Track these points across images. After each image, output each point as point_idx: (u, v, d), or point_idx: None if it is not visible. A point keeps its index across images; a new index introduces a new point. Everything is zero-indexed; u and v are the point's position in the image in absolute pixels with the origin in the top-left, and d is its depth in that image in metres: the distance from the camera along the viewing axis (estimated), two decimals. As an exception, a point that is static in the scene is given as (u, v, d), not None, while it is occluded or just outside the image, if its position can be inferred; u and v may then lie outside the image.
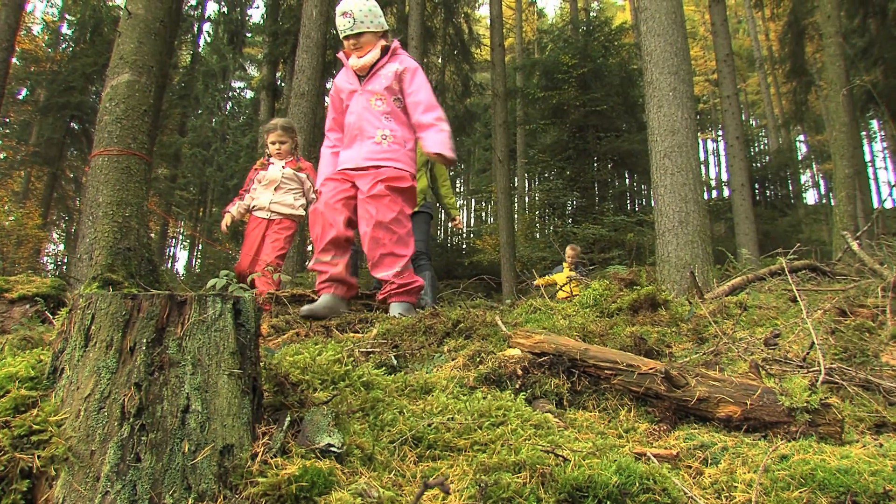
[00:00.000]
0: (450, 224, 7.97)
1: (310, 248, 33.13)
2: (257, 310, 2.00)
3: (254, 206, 7.64)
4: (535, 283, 12.68)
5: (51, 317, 5.24)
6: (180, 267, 56.64)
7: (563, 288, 11.34)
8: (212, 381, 1.79)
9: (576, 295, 11.20)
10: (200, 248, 49.97)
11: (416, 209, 7.12)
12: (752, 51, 48.61)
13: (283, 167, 7.68)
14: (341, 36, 5.46)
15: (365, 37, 5.35)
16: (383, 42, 5.46)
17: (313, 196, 7.44)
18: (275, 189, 7.63)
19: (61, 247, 42.47)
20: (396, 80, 5.33)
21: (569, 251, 13.31)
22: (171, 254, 57.22)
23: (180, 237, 56.40)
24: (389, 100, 5.34)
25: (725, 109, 20.31)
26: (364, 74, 5.44)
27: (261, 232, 7.53)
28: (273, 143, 7.72)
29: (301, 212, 7.70)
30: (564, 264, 13.34)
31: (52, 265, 39.77)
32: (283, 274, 7.06)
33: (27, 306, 5.59)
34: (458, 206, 7.64)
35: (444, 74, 36.81)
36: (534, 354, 3.15)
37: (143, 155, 7.77)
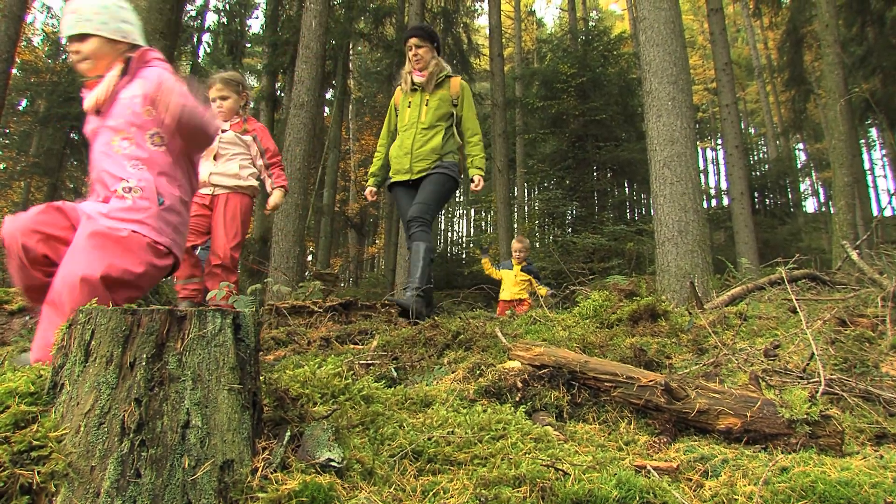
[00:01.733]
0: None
1: (309, 256, 33.16)
2: (257, 324, 2.00)
3: None
4: (484, 266, 11.90)
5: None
6: (180, 278, 56.64)
7: (512, 289, 11.16)
8: (212, 396, 1.79)
9: (524, 299, 10.71)
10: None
11: (430, 170, 6.72)
12: (751, 59, 48.69)
13: (222, 130, 6.39)
14: (63, 41, 3.98)
15: (91, 43, 3.74)
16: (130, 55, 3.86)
17: (261, 163, 6.79)
18: (214, 157, 6.38)
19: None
20: (147, 104, 3.68)
21: (515, 244, 11.53)
22: (171, 264, 57.16)
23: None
24: (141, 137, 3.70)
25: (724, 118, 20.35)
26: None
27: (205, 213, 6.31)
28: (213, 101, 6.45)
29: (251, 182, 6.53)
30: (513, 260, 11.42)
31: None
32: (283, 285, 6.90)
33: (27, 318, 5.59)
34: (483, 164, 6.95)
35: (444, 84, 36.82)
36: (534, 367, 3.15)
37: (143, 166, 7.78)
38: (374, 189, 7.61)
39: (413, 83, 6.99)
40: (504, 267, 11.63)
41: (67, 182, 36.05)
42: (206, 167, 6.26)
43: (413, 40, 6.93)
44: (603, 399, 3.00)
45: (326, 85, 28.62)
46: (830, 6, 16.55)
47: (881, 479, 2.01)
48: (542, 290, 10.70)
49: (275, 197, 6.82)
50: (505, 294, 11.26)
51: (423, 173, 6.75)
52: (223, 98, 6.44)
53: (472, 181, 6.84)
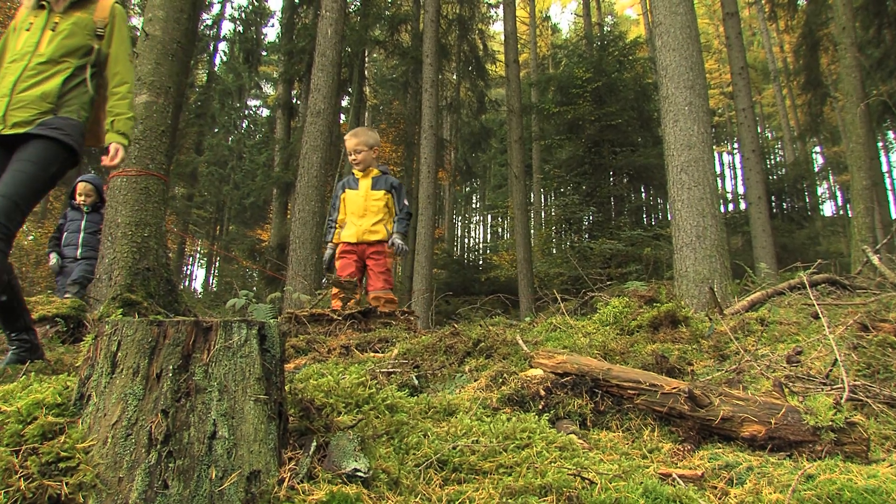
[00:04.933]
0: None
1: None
2: (282, 335, 2.01)
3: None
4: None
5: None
6: (198, 285, 57.03)
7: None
8: (238, 406, 1.79)
9: (381, 242, 7.24)
10: (218, 266, 50.14)
11: (31, 126, 4.14)
12: (767, 63, 48.50)
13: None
14: None
15: None
16: None
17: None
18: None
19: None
20: None
21: (349, 141, 7.25)
22: (189, 272, 57.54)
23: (197, 255, 56.68)
24: None
25: (741, 122, 20.24)
26: None
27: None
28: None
29: None
30: (355, 171, 7.30)
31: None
32: (302, 293, 6.94)
33: (47, 327, 5.63)
34: (127, 129, 4.47)
35: (459, 91, 36.92)
36: (556, 375, 3.14)
37: (162, 175, 7.82)
38: None
39: None
40: (347, 186, 7.26)
41: (85, 191, 36.26)
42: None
43: None
44: (626, 407, 2.99)
45: (342, 92, 28.72)
46: (847, 9, 16.46)
47: (909, 487, 1.99)
48: (390, 225, 7.10)
49: None
50: (349, 232, 7.09)
51: (21, 129, 4.15)
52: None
53: (107, 152, 4.53)
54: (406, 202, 7.28)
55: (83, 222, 9.02)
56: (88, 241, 8.92)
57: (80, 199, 9.07)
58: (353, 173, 7.36)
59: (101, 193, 9.11)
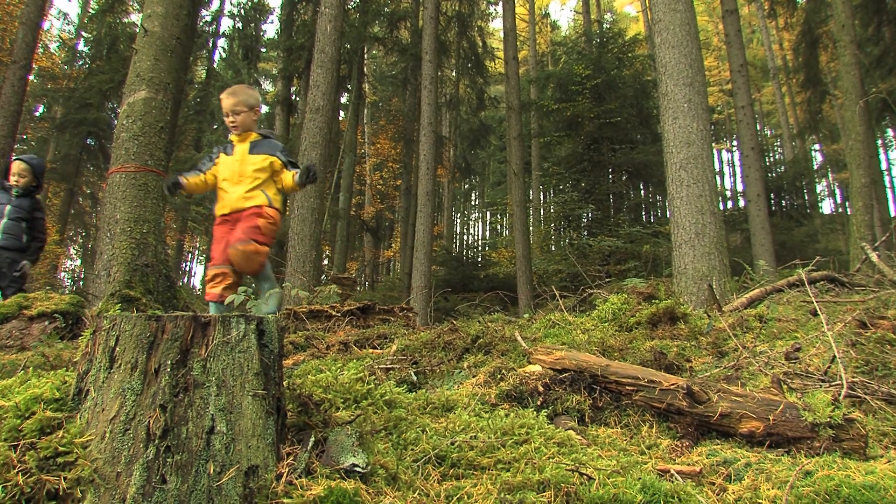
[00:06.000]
0: None
1: (325, 260, 33.21)
2: (280, 330, 2.01)
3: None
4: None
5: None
6: (197, 282, 56.99)
7: None
8: (236, 402, 1.79)
9: (259, 206, 6.05)
10: (216, 262, 50.03)
11: None
12: (767, 61, 48.45)
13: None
14: None
15: None
16: None
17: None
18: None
19: (78, 262, 42.68)
20: None
21: (225, 100, 5.98)
22: (188, 269, 57.52)
23: (196, 252, 56.66)
24: None
25: (740, 120, 20.22)
26: None
27: None
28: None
29: None
30: (233, 136, 6.18)
31: (70, 281, 39.96)
32: (301, 290, 6.83)
33: (46, 323, 5.62)
34: None
35: (459, 88, 36.87)
36: (555, 371, 3.14)
37: (160, 171, 7.81)
38: None
39: None
40: (222, 151, 6.14)
41: (84, 188, 36.27)
42: None
43: None
44: (624, 403, 2.99)
45: (341, 89, 28.69)
46: (846, 6, 16.45)
47: (907, 483, 1.99)
48: (288, 178, 5.90)
49: None
50: (221, 203, 5.95)
51: None
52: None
53: None
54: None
55: (8, 207, 7.68)
56: (10, 228, 7.71)
57: (12, 180, 7.78)
58: (229, 138, 6.11)
59: (37, 177, 8.00)
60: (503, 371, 3.31)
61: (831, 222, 40.41)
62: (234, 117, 5.99)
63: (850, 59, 16.03)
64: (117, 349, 1.78)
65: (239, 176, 5.85)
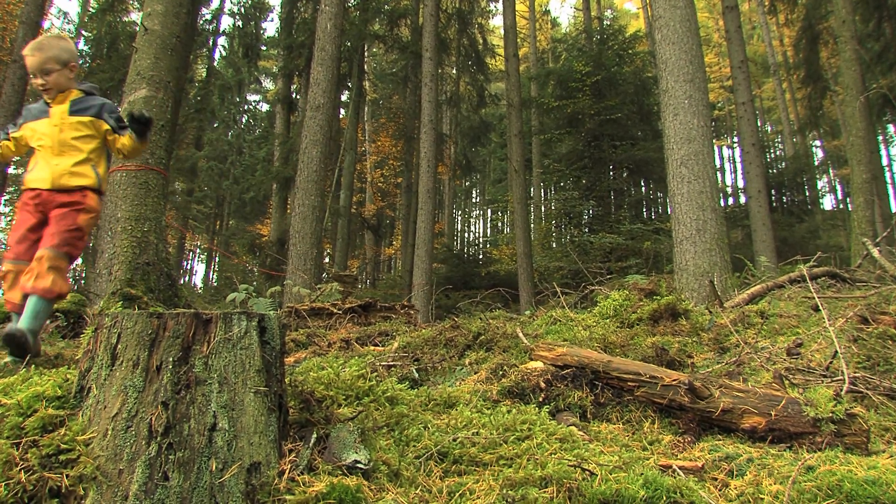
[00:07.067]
0: None
1: (326, 258, 33.22)
2: (282, 327, 2.01)
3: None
4: None
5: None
6: (198, 280, 57.04)
7: None
8: (238, 398, 1.79)
9: (84, 189, 4.84)
10: (217, 261, 50.12)
11: None
12: (767, 57, 48.37)
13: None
14: None
15: None
16: None
17: None
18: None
19: (79, 261, 42.71)
20: None
21: (28, 57, 4.63)
22: (189, 267, 57.56)
23: (197, 250, 56.68)
24: None
25: (741, 116, 20.21)
26: None
27: None
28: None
29: None
30: (45, 97, 4.88)
31: (71, 280, 39.98)
32: (302, 287, 6.83)
33: (47, 322, 5.62)
34: None
35: (459, 85, 36.88)
36: (556, 367, 3.14)
37: (161, 170, 7.81)
38: None
39: None
40: (33, 117, 4.73)
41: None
42: None
43: None
44: (626, 399, 2.99)
45: (342, 87, 28.67)
46: (847, 2, 16.44)
47: (909, 478, 1.99)
48: (126, 140, 4.78)
49: None
50: (39, 175, 4.57)
51: None
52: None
53: None
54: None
55: None
56: None
57: None
58: (43, 100, 4.76)
59: None
60: (505, 367, 3.31)
61: (832, 218, 40.42)
62: (43, 78, 4.65)
63: (850, 54, 16.02)
64: (119, 346, 1.78)
65: (60, 145, 4.64)
